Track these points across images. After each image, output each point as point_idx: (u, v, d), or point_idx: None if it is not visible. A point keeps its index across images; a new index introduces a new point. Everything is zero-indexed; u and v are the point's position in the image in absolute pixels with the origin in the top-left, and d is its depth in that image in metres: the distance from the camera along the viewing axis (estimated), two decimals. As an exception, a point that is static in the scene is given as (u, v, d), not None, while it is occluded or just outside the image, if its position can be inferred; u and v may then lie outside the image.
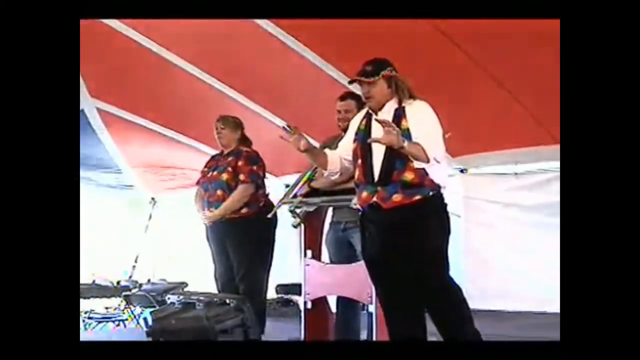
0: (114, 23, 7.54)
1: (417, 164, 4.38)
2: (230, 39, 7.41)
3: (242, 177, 6.34)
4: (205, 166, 6.67)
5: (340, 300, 5.69)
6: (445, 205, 4.58)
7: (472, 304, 4.66)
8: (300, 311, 5.83)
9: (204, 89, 8.54)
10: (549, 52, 5.21)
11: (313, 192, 5.50)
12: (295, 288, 6.80)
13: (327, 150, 4.87)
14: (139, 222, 12.50)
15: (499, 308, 8.04)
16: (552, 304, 7.00)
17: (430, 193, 4.47)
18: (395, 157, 4.43)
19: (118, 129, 10.14)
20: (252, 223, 6.25)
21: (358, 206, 4.73)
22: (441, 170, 4.54)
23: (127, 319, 9.86)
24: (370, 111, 4.67)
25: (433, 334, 4.68)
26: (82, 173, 11.04)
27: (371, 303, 5.13)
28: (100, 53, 8.14)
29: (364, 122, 4.71)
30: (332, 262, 5.77)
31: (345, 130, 5.03)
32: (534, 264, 7.97)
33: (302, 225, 5.65)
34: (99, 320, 9.87)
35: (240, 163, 6.37)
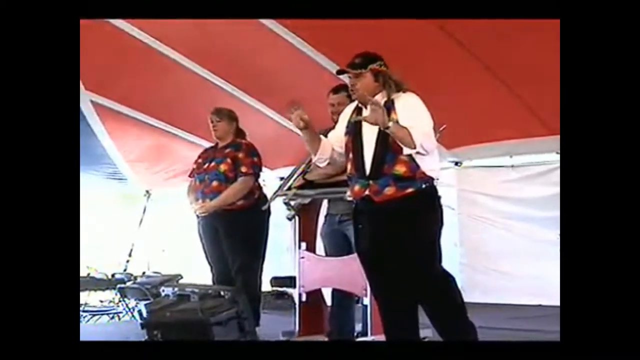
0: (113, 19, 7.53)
1: (406, 151, 4.35)
2: (224, 32, 7.41)
3: (243, 169, 6.31)
4: (200, 158, 6.63)
5: (335, 292, 5.69)
6: (439, 197, 4.57)
7: (466, 297, 4.67)
8: (294, 304, 5.84)
9: (197, 82, 8.55)
10: (544, 43, 5.21)
11: (307, 185, 5.50)
12: (290, 280, 6.80)
13: (321, 136, 4.84)
14: (134, 214, 12.51)
15: (493, 301, 8.06)
16: (548, 296, 7.02)
17: (423, 186, 4.45)
18: (386, 150, 4.42)
19: (112, 121, 10.14)
20: (247, 215, 6.24)
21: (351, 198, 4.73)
22: (433, 162, 4.52)
23: (121, 312, 9.87)
24: (359, 105, 4.66)
25: (427, 326, 4.69)
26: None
27: (366, 296, 5.14)
28: (95, 46, 8.13)
29: (354, 115, 4.70)
30: (327, 254, 5.76)
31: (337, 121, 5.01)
32: (529, 256, 7.98)
33: (297, 218, 5.66)
34: (94, 313, 9.88)
35: (241, 155, 6.35)
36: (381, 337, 4.90)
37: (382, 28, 6.39)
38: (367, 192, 4.49)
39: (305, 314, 5.63)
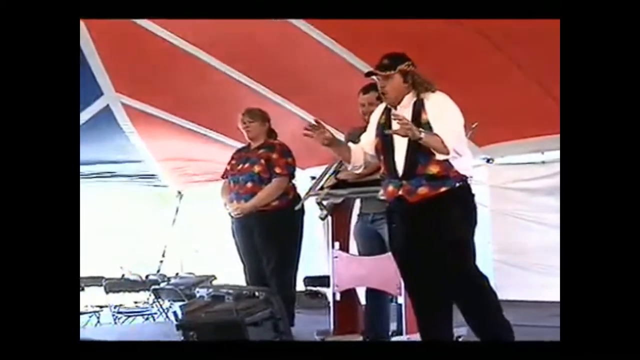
0: (138, 20, 7.57)
1: (440, 156, 4.37)
2: (254, 33, 7.43)
3: (277, 169, 6.31)
4: (233, 159, 6.63)
5: (369, 292, 5.69)
6: (473, 195, 4.56)
7: (502, 294, 4.66)
8: (328, 303, 5.85)
9: (227, 82, 8.58)
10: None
11: (340, 184, 5.49)
12: (323, 280, 6.81)
13: (350, 144, 4.85)
14: (166, 216, 12.57)
15: (532, 298, 8.01)
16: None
17: (457, 184, 4.44)
18: (419, 151, 4.40)
19: (143, 123, 10.22)
20: (281, 215, 6.25)
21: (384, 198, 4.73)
22: (466, 161, 4.52)
23: (155, 313, 9.92)
24: (389, 106, 4.66)
25: (462, 324, 4.69)
26: (108, 168, 11.14)
27: (400, 294, 5.14)
28: (124, 49, 8.19)
29: (383, 117, 4.69)
30: (360, 253, 5.76)
31: (368, 122, 5.01)
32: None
33: (330, 217, 5.66)
34: (128, 315, 9.94)
35: (274, 156, 6.35)
36: (416, 336, 4.89)
37: (411, 27, 6.39)
38: (400, 192, 4.48)
39: (339, 314, 5.63)
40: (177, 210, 12.55)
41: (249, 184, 6.33)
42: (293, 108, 8.90)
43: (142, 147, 10.97)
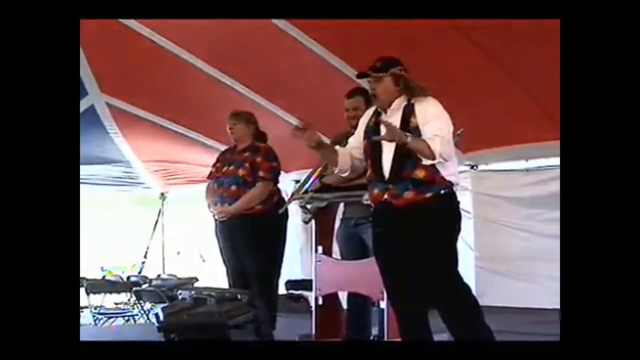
0: (125, 19, 7.56)
1: (427, 161, 4.37)
2: (240, 35, 7.43)
3: (262, 173, 6.29)
4: (218, 161, 6.62)
5: (351, 296, 5.69)
6: (458, 202, 4.57)
7: (484, 301, 4.66)
8: (310, 307, 5.84)
9: (214, 85, 8.56)
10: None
11: (324, 188, 5.50)
12: (306, 284, 6.81)
13: (337, 148, 4.85)
14: (149, 217, 12.54)
15: (510, 305, 8.02)
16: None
17: (442, 191, 4.45)
18: (406, 156, 4.41)
19: (128, 124, 10.20)
20: (265, 219, 6.23)
21: (370, 202, 4.74)
22: (452, 167, 4.53)
23: (136, 314, 9.89)
24: (379, 109, 4.67)
25: (443, 330, 4.69)
26: (92, 169, 11.10)
27: (382, 299, 5.13)
28: (110, 49, 8.17)
29: (372, 120, 4.70)
30: (342, 257, 5.76)
31: (355, 127, 5.01)
32: (548, 258, 7.93)
33: (313, 221, 5.66)
34: (109, 316, 9.91)
35: (259, 159, 6.33)
36: (397, 341, 4.91)
37: (397, 30, 6.39)
38: (386, 196, 4.49)
39: (321, 318, 5.62)
40: (160, 212, 12.53)
41: (233, 187, 6.31)
42: (278, 111, 8.89)
43: (126, 148, 10.94)
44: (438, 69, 6.80)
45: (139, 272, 11.78)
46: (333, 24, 6.50)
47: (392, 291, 4.77)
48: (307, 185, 5.60)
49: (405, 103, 4.53)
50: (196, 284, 9.36)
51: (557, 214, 7.56)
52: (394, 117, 4.51)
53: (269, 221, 6.23)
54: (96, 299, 9.90)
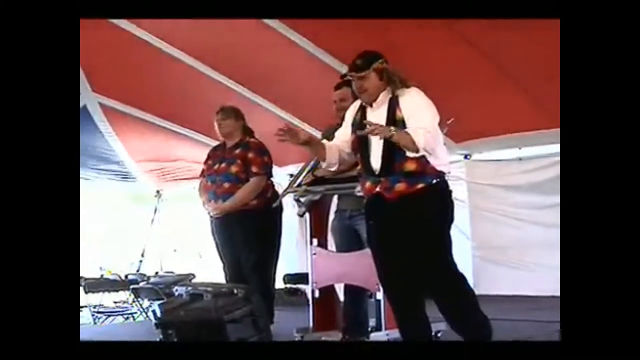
0: (114, 20, 7.57)
1: (412, 154, 4.38)
2: (229, 31, 7.43)
3: (254, 169, 6.32)
4: (209, 158, 6.64)
5: (348, 288, 5.70)
6: (450, 191, 4.57)
7: (480, 289, 4.68)
8: (307, 300, 5.85)
9: (204, 81, 8.57)
10: (547, 39, 5.21)
11: (317, 181, 5.50)
12: (303, 277, 6.82)
13: (325, 142, 4.85)
14: (145, 215, 12.54)
15: (509, 293, 8.06)
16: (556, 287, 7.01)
17: (434, 181, 4.45)
18: (394, 149, 4.40)
19: (120, 123, 10.20)
20: (260, 214, 6.26)
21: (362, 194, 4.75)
22: (442, 157, 4.53)
23: (135, 312, 9.90)
24: (364, 104, 4.68)
25: (440, 319, 4.71)
26: (86, 168, 11.10)
27: (379, 291, 5.14)
28: (102, 48, 8.16)
29: (358, 114, 4.71)
30: (337, 250, 5.76)
31: (343, 119, 5.02)
32: (543, 245, 7.96)
33: (308, 214, 5.67)
34: (108, 314, 9.92)
35: (250, 155, 6.36)
36: (395, 332, 4.92)
37: (386, 25, 6.41)
38: (378, 189, 4.50)
39: (318, 310, 5.63)
40: (155, 210, 12.53)
41: (227, 184, 6.33)
42: (270, 106, 8.91)
43: (120, 147, 10.94)
44: (429, 61, 6.83)
45: (137, 270, 11.79)
46: (321, 21, 6.50)
47: (387, 283, 4.78)
48: (300, 179, 5.61)
49: (390, 96, 4.53)
50: (193, 280, 9.36)
51: (550, 201, 7.72)
52: (379, 110, 4.52)
53: (264, 215, 6.26)
54: (95, 298, 9.91)
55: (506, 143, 8.31)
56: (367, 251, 4.88)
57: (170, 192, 12.38)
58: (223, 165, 6.40)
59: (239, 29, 7.34)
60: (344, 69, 5.04)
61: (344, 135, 4.79)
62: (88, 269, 10.62)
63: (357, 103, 4.76)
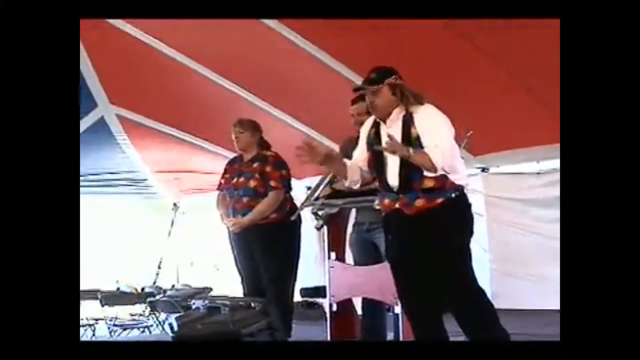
0: (133, 30, 7.58)
1: (428, 174, 4.36)
2: (247, 42, 7.44)
3: (273, 183, 6.30)
4: (226, 172, 6.62)
5: (366, 301, 5.68)
6: (469, 205, 4.56)
7: (499, 303, 4.64)
8: (325, 313, 5.83)
9: (223, 93, 8.57)
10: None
11: (335, 194, 5.49)
12: (320, 290, 6.79)
13: (346, 161, 4.83)
14: (162, 228, 12.54)
15: (529, 307, 8.00)
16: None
17: (453, 195, 4.45)
18: (412, 167, 4.40)
19: (138, 134, 10.21)
20: (279, 228, 6.24)
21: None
22: (461, 170, 4.53)
23: (152, 325, 9.88)
24: (377, 119, 4.66)
25: (459, 334, 4.68)
26: (103, 180, 11.13)
27: (397, 304, 5.12)
28: (119, 61, 8.19)
29: (373, 131, 4.69)
30: (356, 263, 5.75)
31: None
32: (557, 262, 7.91)
33: (325, 227, 5.65)
34: (125, 327, 9.89)
35: (268, 169, 6.34)
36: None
37: (403, 36, 6.39)
38: (397, 205, 4.49)
39: (336, 324, 5.62)
40: (172, 222, 12.53)
41: (245, 199, 6.31)
42: (288, 119, 8.89)
43: (137, 159, 10.96)
44: (446, 74, 6.81)
45: (153, 283, 11.77)
46: (337, 32, 6.50)
47: (405, 297, 4.75)
48: (318, 192, 5.59)
49: (403, 113, 4.51)
50: (210, 294, 9.33)
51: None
52: (393, 128, 4.50)
53: (283, 229, 6.24)
54: (111, 311, 9.90)
55: (524, 156, 8.27)
56: (385, 264, 4.86)
57: (187, 204, 12.38)
58: (241, 179, 6.38)
59: (258, 41, 7.34)
60: (359, 80, 5.02)
61: (360, 153, 4.77)
62: (105, 281, 10.62)
63: (371, 119, 4.75)
